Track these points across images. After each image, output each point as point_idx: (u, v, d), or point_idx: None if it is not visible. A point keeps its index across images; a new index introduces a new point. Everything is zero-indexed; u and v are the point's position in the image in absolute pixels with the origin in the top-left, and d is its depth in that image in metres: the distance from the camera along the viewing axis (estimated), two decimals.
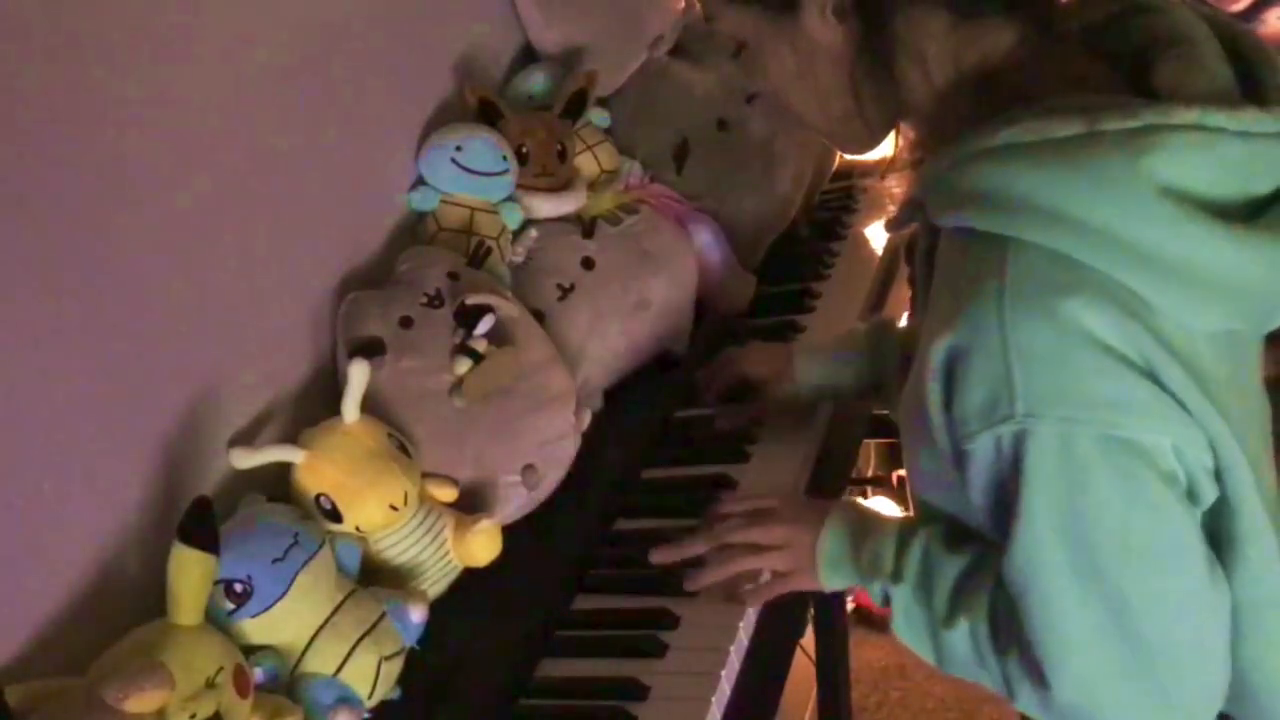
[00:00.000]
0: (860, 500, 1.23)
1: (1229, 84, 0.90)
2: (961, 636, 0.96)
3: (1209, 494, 0.88)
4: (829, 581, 1.07)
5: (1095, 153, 0.84)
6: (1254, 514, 0.88)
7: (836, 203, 1.85)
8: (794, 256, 1.70)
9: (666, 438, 1.41)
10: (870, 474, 2.67)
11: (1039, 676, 0.90)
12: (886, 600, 1.02)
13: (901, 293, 1.63)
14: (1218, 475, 0.87)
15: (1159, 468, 0.85)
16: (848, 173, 1.93)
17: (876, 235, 1.75)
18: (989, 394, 0.85)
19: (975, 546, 0.99)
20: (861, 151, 1.11)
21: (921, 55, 0.96)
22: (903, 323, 1.34)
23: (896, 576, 1.00)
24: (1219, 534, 0.89)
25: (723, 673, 1.04)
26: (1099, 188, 0.83)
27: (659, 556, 1.14)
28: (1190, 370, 0.84)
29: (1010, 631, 0.93)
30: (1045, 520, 0.86)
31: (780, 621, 1.12)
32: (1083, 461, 0.84)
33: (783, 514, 1.11)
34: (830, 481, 1.31)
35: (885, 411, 1.48)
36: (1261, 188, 0.86)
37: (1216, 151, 0.84)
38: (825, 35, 0.98)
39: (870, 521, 1.07)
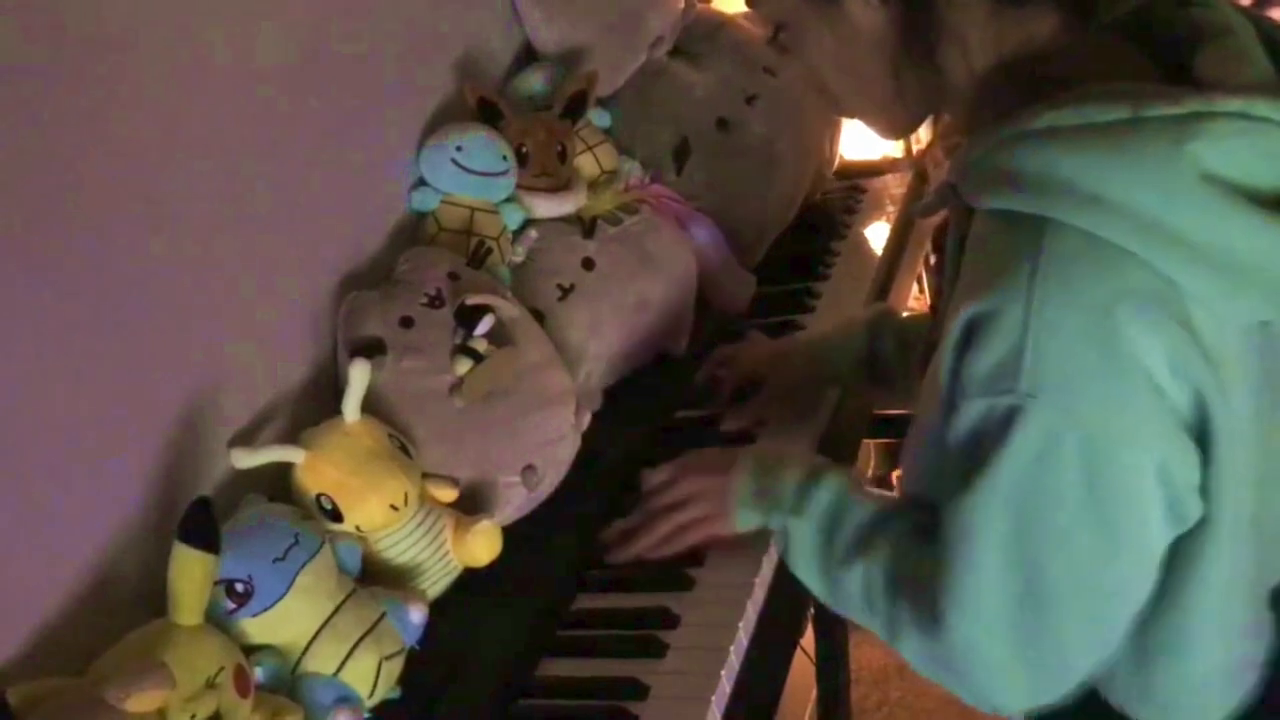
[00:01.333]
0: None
1: (1271, 75, 0.90)
2: (855, 579, 1.00)
3: (1195, 512, 0.88)
4: (741, 521, 1.10)
5: (1138, 138, 0.84)
6: (1230, 526, 0.88)
7: (837, 202, 1.85)
8: (794, 256, 1.70)
9: (666, 438, 1.41)
10: (870, 474, 2.66)
11: (931, 619, 0.93)
12: (784, 533, 1.05)
13: (902, 292, 1.64)
14: (1203, 489, 0.88)
15: (1131, 486, 0.86)
16: (849, 172, 1.93)
17: (877, 235, 1.75)
18: (998, 364, 0.86)
19: (888, 500, 1.03)
20: (899, 136, 1.12)
21: (963, 40, 0.96)
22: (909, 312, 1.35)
23: (797, 510, 1.04)
24: (1188, 541, 0.90)
25: (723, 672, 1.04)
26: (1141, 172, 0.83)
27: (614, 557, 1.18)
28: (1211, 359, 0.84)
29: (910, 575, 0.96)
30: (1005, 491, 0.87)
31: (780, 621, 1.12)
32: (1061, 455, 0.85)
33: (700, 464, 1.16)
34: None
35: (885, 412, 1.48)
36: None
37: (1260, 141, 0.84)
38: (867, 19, 0.98)
39: (780, 459, 1.10)
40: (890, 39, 0.98)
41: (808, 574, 1.05)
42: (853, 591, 1.00)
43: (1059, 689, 0.93)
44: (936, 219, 1.08)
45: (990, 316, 0.86)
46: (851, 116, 1.09)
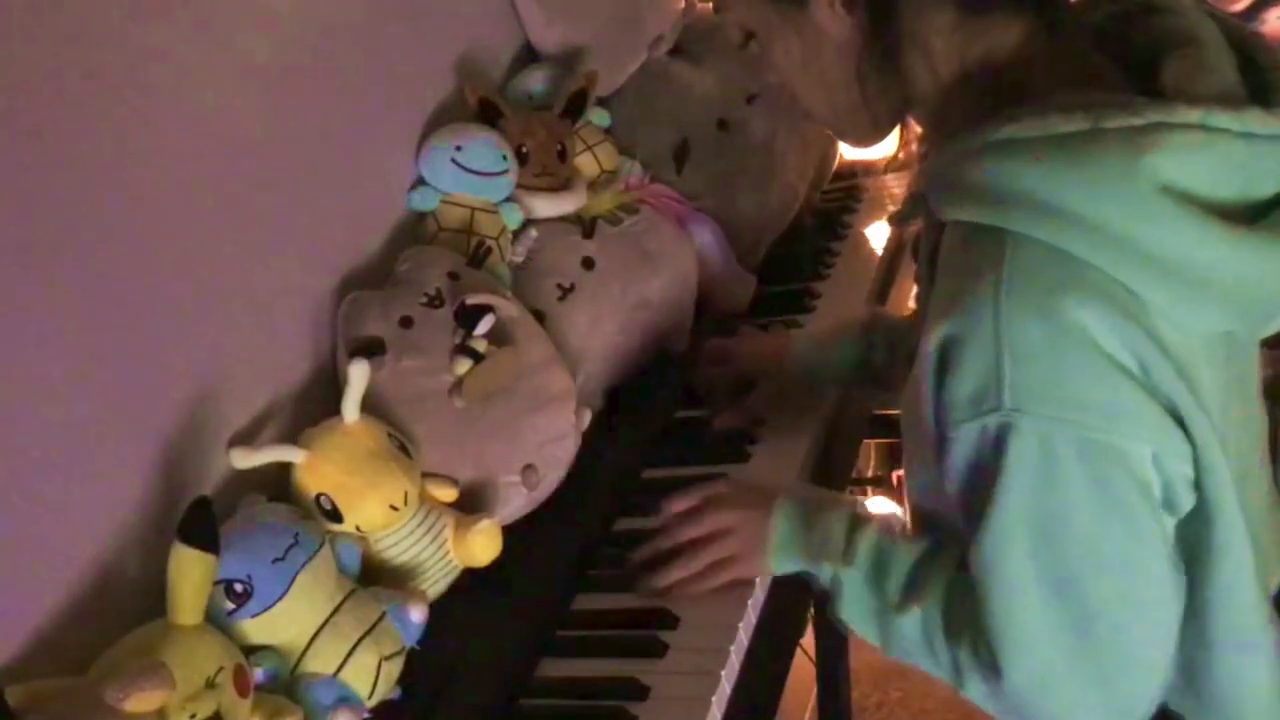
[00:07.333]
0: (812, 485, 1.24)
1: (1235, 86, 0.90)
2: (913, 622, 0.97)
3: (1186, 503, 0.88)
4: (779, 565, 1.07)
5: (1097, 149, 0.84)
6: (1231, 524, 0.89)
7: (837, 202, 1.85)
8: (794, 256, 1.70)
9: (666, 438, 1.41)
10: (870, 474, 2.67)
11: (991, 666, 0.91)
12: (834, 582, 1.02)
13: (903, 292, 1.64)
14: (1197, 484, 0.88)
15: (1135, 476, 0.85)
16: (849, 172, 1.93)
17: (877, 235, 1.75)
18: (979, 384, 0.86)
19: (932, 535, 1.00)
20: (867, 144, 1.11)
21: (928, 49, 0.96)
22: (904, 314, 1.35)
23: (848, 559, 1.01)
24: (1195, 542, 0.90)
25: (723, 672, 1.04)
26: (1099, 184, 0.84)
27: (644, 586, 1.14)
28: (1182, 372, 0.85)
29: (964, 620, 0.94)
30: (1017, 513, 0.87)
31: (780, 621, 1.12)
32: (1061, 461, 0.85)
33: (732, 498, 1.12)
34: (830, 481, 1.31)
35: (885, 411, 1.48)
36: (1264, 190, 0.86)
37: (1219, 152, 0.84)
38: (833, 26, 0.98)
39: (820, 504, 1.07)
40: (856, 46, 0.98)
41: (861, 622, 1.02)
42: (913, 636, 0.98)
43: (1137, 706, 0.91)
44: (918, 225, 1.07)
45: (962, 337, 0.86)
46: (820, 123, 1.09)
